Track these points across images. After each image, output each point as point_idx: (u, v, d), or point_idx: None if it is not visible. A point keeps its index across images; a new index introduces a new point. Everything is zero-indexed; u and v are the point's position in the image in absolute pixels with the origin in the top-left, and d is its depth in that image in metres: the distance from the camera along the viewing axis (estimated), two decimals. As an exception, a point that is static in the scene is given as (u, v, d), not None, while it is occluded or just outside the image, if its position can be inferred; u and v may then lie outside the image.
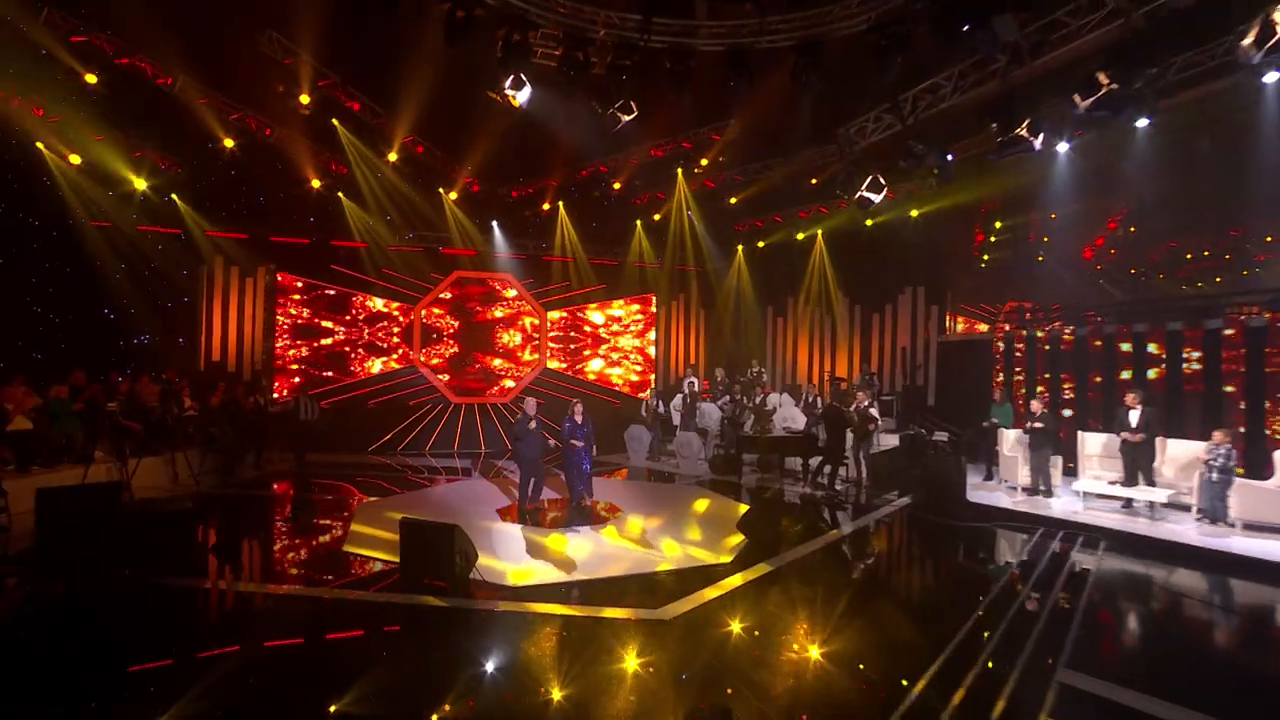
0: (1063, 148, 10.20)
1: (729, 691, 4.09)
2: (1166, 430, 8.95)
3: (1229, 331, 9.52)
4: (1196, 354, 9.92)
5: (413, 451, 14.23)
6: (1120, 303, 14.25)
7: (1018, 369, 12.32)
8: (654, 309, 17.75)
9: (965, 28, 6.35)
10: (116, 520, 6.39)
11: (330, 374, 14.69)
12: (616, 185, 15.39)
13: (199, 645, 4.69)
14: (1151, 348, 10.43)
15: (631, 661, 4.44)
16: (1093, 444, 9.65)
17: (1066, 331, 11.71)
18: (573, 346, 17.00)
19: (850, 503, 9.77)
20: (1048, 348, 11.86)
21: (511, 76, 8.62)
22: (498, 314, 16.27)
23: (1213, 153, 10.85)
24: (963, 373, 13.56)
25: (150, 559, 6.02)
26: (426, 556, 5.80)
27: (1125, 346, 10.71)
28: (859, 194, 9.98)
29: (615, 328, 17.47)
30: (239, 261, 14.15)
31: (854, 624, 5.12)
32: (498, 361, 16.21)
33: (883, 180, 9.91)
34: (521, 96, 8.88)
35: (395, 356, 15.32)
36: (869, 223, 14.93)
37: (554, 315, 16.75)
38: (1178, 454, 8.65)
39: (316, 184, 13.91)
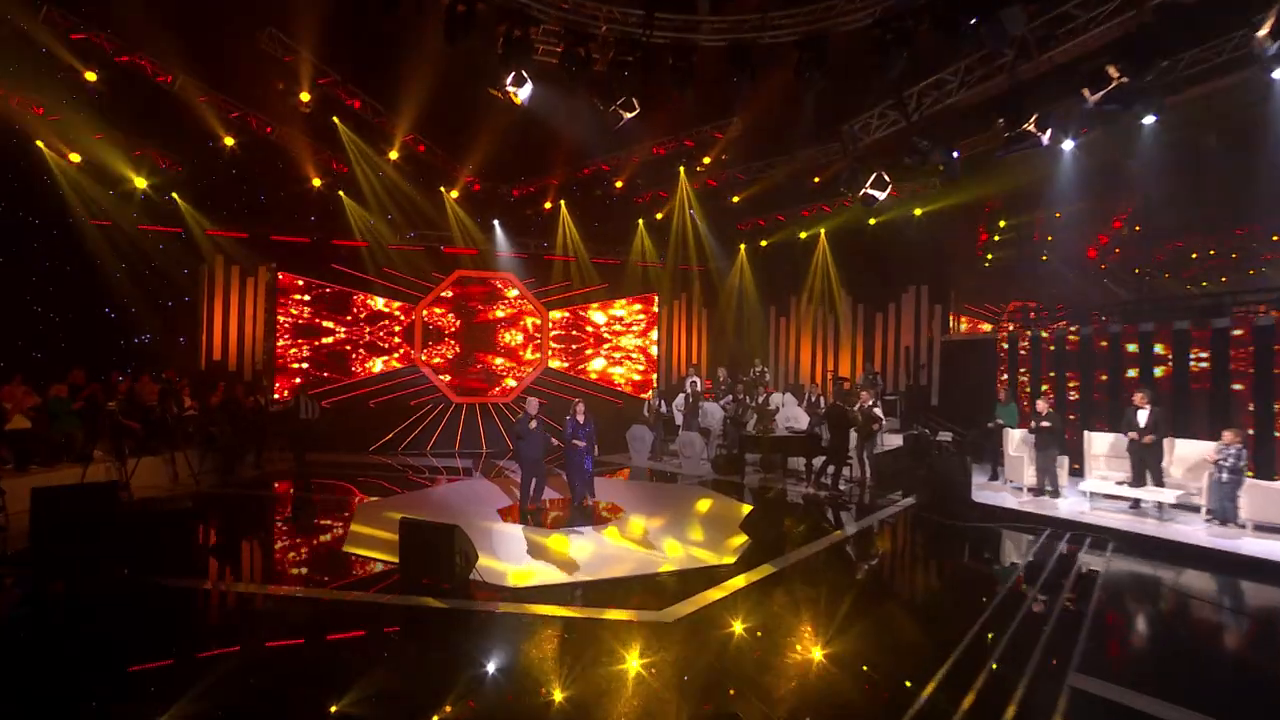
0: (1068, 145, 10.11)
1: (731, 692, 4.01)
2: (1174, 430, 8.86)
3: (1238, 332, 9.41)
4: (1204, 354, 9.81)
5: (414, 451, 14.17)
6: (1125, 302, 14.14)
7: (1022, 369, 12.23)
8: (656, 308, 17.69)
9: (972, 21, 6.27)
10: (113, 520, 6.33)
11: (330, 374, 14.63)
12: (618, 184, 15.33)
13: (196, 646, 4.63)
14: (1158, 348, 10.33)
15: (634, 664, 4.37)
16: (1099, 444, 9.55)
17: (1071, 331, 11.61)
18: (574, 346, 16.93)
19: (854, 503, 9.69)
20: (1053, 348, 11.76)
21: (513, 73, 8.56)
22: (499, 314, 16.21)
23: (1219, 150, 10.76)
24: (966, 372, 13.47)
25: (147, 559, 5.96)
26: (426, 557, 5.73)
27: (1132, 347, 10.61)
28: (863, 191, 9.89)
29: (617, 327, 17.40)
30: (240, 260, 14.11)
31: (860, 626, 5.04)
32: (499, 361, 16.15)
33: (887, 177, 9.83)
34: (523, 94, 8.81)
35: (396, 356, 15.27)
36: (872, 221, 14.86)
37: (556, 315, 16.69)
38: (1186, 454, 8.55)
39: (317, 182, 13.87)
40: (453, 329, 15.76)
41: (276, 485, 10.72)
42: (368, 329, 15.04)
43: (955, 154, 9.19)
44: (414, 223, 15.08)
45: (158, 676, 4.22)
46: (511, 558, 6.65)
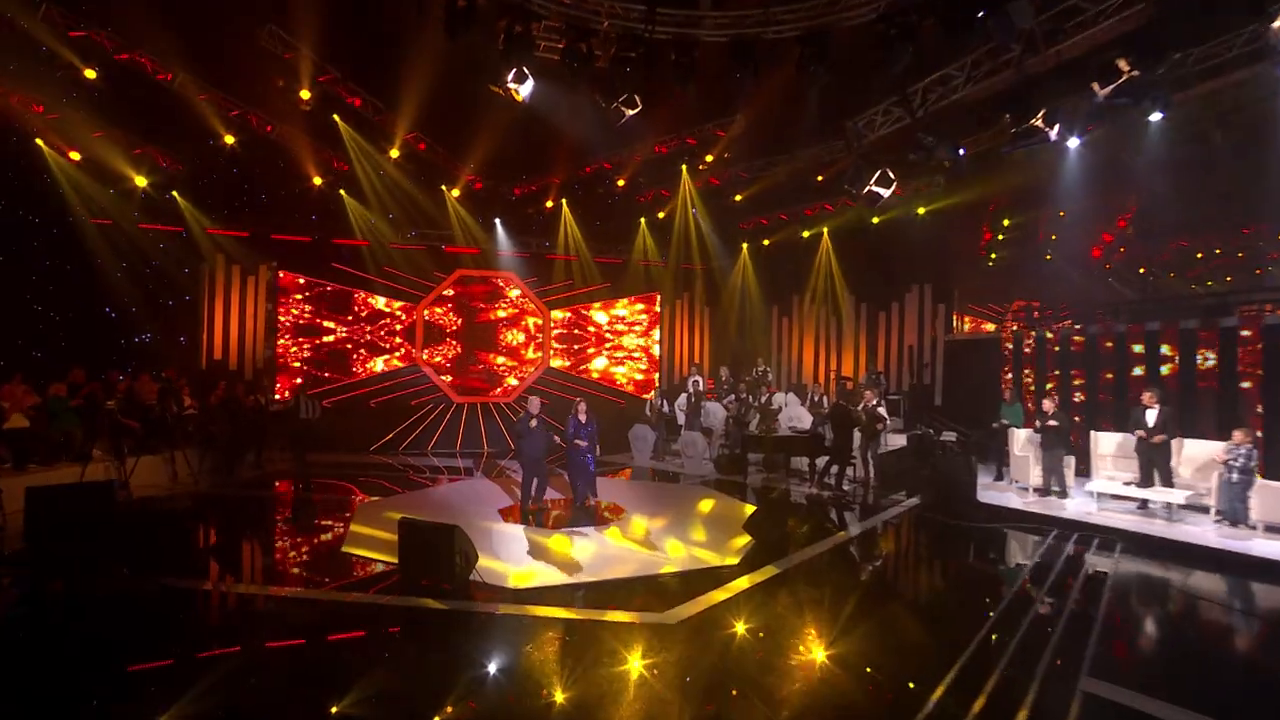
0: (1073, 143, 9.98)
1: (734, 693, 3.93)
2: (1181, 430, 8.76)
3: (1246, 332, 9.31)
4: (1211, 354, 9.71)
5: (415, 451, 14.10)
6: (1130, 301, 14.05)
7: (1026, 369, 12.13)
8: (658, 308, 17.61)
9: (979, 14, 6.18)
10: (110, 519, 6.27)
11: (331, 374, 14.58)
12: (620, 182, 15.25)
13: (192, 647, 4.56)
14: (1164, 349, 10.23)
15: (636, 666, 4.29)
16: (1106, 444, 9.45)
17: (1076, 330, 11.51)
18: (576, 346, 16.86)
19: (858, 503, 9.60)
20: (1057, 349, 11.66)
21: (514, 70, 8.50)
22: (501, 313, 16.14)
23: (1226, 148, 10.65)
24: (970, 372, 13.37)
25: (144, 559, 5.90)
26: (426, 558, 5.66)
27: (1138, 348, 10.50)
28: (867, 188, 9.80)
29: (619, 327, 17.32)
30: (240, 260, 14.05)
31: (865, 629, 4.96)
32: (501, 360, 16.08)
33: (892, 174, 9.74)
34: (524, 90, 8.75)
35: (398, 355, 15.21)
36: (875, 220, 14.77)
37: (557, 314, 16.62)
38: (1195, 454, 8.45)
39: (318, 181, 13.81)
40: (454, 328, 15.70)
41: (277, 485, 10.66)
42: (368, 328, 14.99)
43: (961, 150, 9.09)
44: (415, 221, 15.02)
45: (154, 677, 4.16)
46: (512, 558, 6.57)
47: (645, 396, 15.52)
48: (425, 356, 15.37)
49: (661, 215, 16.36)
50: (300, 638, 4.88)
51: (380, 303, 15.04)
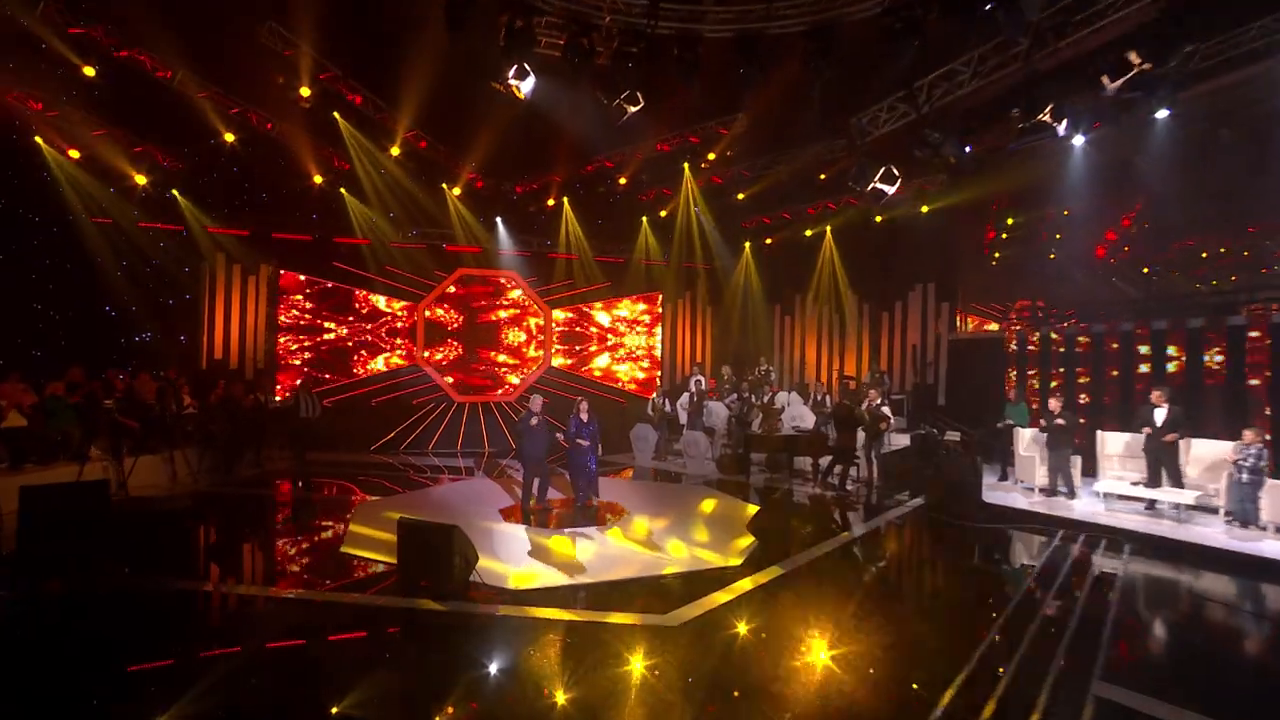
0: (1078, 141, 9.90)
1: (736, 695, 3.85)
2: (1189, 430, 8.66)
3: (1254, 333, 9.20)
4: (1218, 353, 9.60)
5: (415, 450, 14.03)
6: (1135, 300, 13.93)
7: (1031, 369, 12.03)
8: (660, 307, 17.53)
9: (987, 7, 6.08)
10: (105, 519, 6.20)
11: (332, 373, 14.51)
12: (622, 181, 15.16)
13: (190, 648, 4.50)
14: (1170, 350, 10.13)
15: (638, 668, 4.21)
16: (1113, 444, 9.35)
17: (1081, 330, 11.41)
18: (578, 345, 16.79)
19: (861, 503, 9.51)
20: (1062, 350, 11.56)
21: (515, 66, 8.41)
22: (502, 313, 16.07)
23: (1232, 146, 10.54)
24: (974, 371, 13.28)
25: (139, 559, 5.83)
26: (425, 558, 5.58)
27: (1144, 349, 10.40)
28: (871, 185, 9.71)
29: (621, 326, 17.24)
30: (240, 258, 14.00)
31: (871, 631, 4.87)
32: (502, 358, 16.01)
33: (896, 171, 9.65)
34: (525, 87, 8.67)
35: (399, 354, 15.14)
36: (878, 219, 14.68)
37: (559, 314, 16.54)
38: (1203, 454, 8.35)
39: (318, 179, 13.75)
40: (455, 327, 15.63)
41: (276, 484, 10.59)
42: (369, 327, 14.92)
43: (967, 147, 9.00)
44: (416, 220, 14.95)
45: (152, 677, 4.10)
46: (513, 559, 6.50)
47: (647, 396, 15.42)
48: (426, 355, 15.30)
49: (663, 214, 16.27)
50: (293, 640, 4.82)
51: (381, 302, 14.97)
